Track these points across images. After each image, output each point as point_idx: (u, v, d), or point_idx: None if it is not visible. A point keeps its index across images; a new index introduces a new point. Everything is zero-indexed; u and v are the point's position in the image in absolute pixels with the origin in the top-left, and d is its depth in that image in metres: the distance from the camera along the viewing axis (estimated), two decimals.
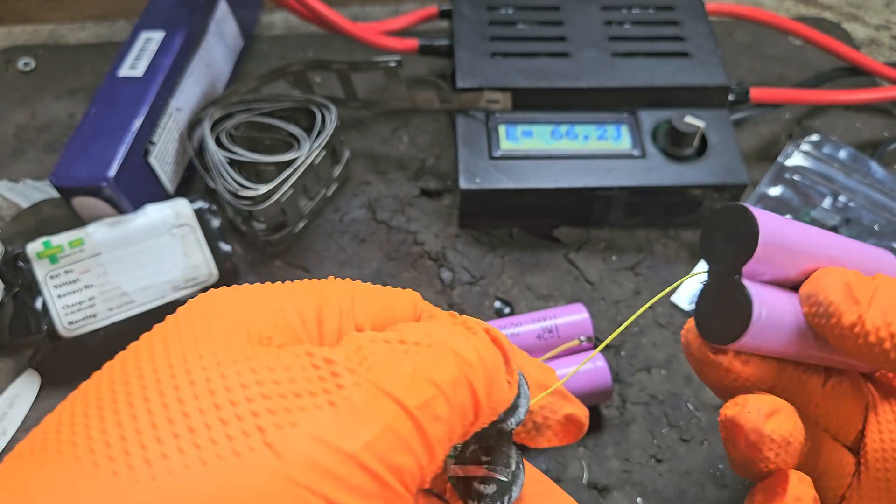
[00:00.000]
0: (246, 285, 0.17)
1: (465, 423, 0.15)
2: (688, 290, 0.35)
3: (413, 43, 0.40)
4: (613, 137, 0.37)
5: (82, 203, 0.33)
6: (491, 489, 0.17)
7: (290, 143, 0.38)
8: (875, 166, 0.38)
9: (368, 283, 0.18)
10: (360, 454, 0.13)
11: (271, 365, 0.14)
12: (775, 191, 0.38)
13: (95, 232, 0.32)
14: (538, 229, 0.38)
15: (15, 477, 0.12)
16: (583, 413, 0.21)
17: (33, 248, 0.31)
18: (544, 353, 0.30)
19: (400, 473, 0.13)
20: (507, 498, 0.17)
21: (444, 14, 0.43)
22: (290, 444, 0.12)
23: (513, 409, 0.17)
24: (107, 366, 0.14)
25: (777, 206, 0.37)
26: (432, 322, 0.17)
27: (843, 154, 0.39)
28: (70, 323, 0.31)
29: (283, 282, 0.17)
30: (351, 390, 0.13)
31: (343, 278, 0.18)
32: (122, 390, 0.13)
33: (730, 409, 0.20)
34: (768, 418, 0.19)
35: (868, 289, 0.19)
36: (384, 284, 0.19)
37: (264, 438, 0.12)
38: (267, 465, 0.12)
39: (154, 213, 0.33)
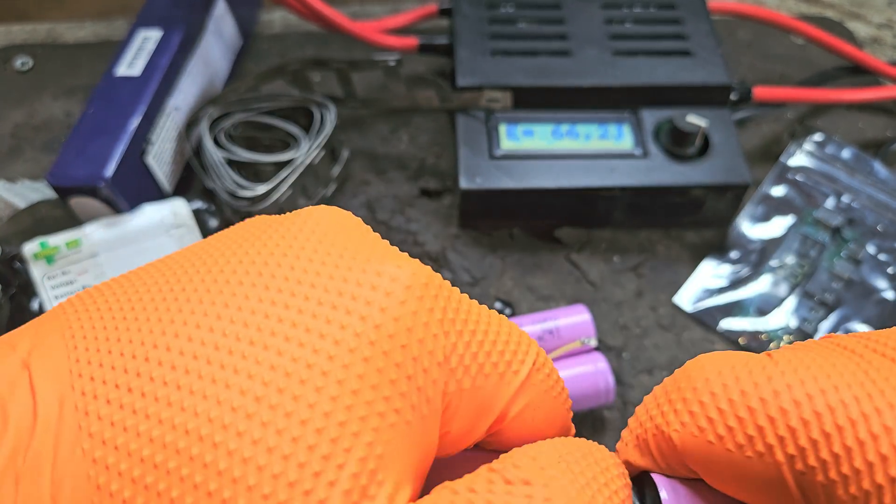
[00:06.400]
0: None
1: None
2: (691, 292, 0.35)
3: (413, 41, 0.40)
4: (615, 136, 0.37)
5: (79, 203, 0.33)
6: None
7: (288, 142, 0.38)
8: (878, 166, 0.38)
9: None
10: None
11: None
12: (778, 191, 0.38)
13: (93, 232, 0.31)
14: (539, 230, 0.37)
15: None
16: None
17: (30, 248, 0.31)
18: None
19: None
20: None
21: (444, 12, 0.42)
22: None
23: None
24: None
25: (780, 206, 0.37)
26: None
27: (846, 154, 0.38)
28: None
29: None
30: None
31: None
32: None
33: None
34: None
35: None
36: None
37: None
38: None
39: (152, 214, 0.32)
